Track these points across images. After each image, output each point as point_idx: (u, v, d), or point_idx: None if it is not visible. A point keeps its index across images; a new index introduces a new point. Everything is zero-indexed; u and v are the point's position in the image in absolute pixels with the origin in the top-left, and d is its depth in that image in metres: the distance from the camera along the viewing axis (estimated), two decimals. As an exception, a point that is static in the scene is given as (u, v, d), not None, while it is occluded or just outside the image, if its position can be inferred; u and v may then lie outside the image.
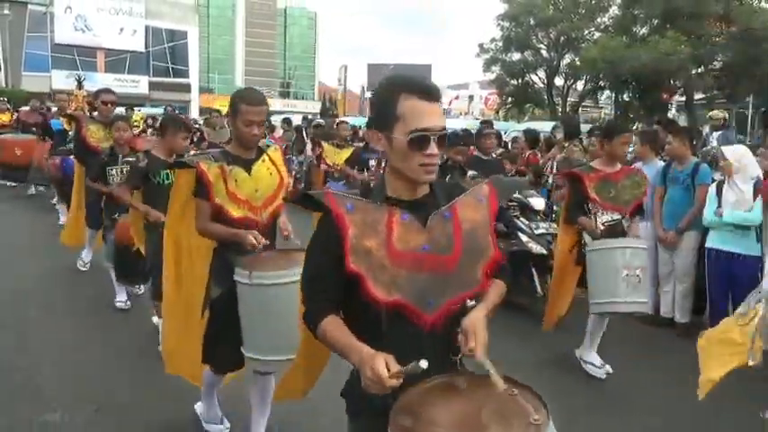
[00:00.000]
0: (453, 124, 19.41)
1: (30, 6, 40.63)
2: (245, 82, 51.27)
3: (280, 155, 3.68)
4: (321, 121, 16.55)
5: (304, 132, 15.11)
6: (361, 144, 10.23)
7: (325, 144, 10.31)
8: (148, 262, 5.07)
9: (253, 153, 3.46)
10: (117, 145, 6.04)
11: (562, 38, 32.43)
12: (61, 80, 39.05)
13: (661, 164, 6.84)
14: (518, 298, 6.40)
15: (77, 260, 7.43)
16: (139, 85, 43.01)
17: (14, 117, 14.77)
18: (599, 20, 31.64)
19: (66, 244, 7.62)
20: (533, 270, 6.50)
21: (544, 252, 6.43)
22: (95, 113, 9.36)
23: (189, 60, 47.32)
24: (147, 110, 23.96)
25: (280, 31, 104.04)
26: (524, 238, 6.61)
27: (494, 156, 7.54)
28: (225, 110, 18.43)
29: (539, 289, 6.43)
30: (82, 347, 5.25)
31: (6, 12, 37.80)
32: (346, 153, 9.64)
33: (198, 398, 3.97)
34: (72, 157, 8.48)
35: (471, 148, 7.65)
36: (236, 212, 3.33)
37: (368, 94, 59.47)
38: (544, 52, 34.14)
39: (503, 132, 12.81)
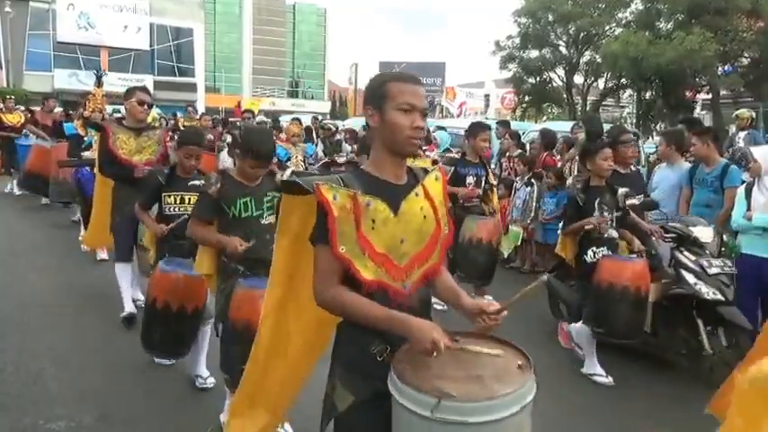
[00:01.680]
0: (464, 124, 18.48)
1: (32, 3, 40.21)
2: (252, 81, 50.66)
3: (441, 186, 2.39)
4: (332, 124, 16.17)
5: (314, 133, 15.08)
6: (454, 154, 8.97)
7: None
8: (217, 323, 3.95)
9: (403, 176, 2.30)
10: (183, 168, 4.89)
11: (582, 34, 31.80)
12: (64, 79, 38.71)
13: (687, 165, 6.73)
14: (675, 355, 5.54)
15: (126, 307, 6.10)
16: (144, 83, 42.31)
17: (28, 117, 14.03)
18: (620, 15, 30.95)
19: (90, 246, 7.69)
20: (699, 321, 5.27)
21: (720, 298, 5.13)
22: (120, 117, 8.64)
23: (195, 59, 46.78)
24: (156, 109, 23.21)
25: (288, 29, 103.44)
26: (691, 278, 5.31)
27: (632, 168, 6.46)
28: (255, 109, 18.37)
29: (706, 345, 5.19)
30: (87, 354, 5.33)
31: (8, 9, 37.59)
32: (424, 164, 8.37)
33: (201, 407, 4.36)
34: (89, 168, 7.84)
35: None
36: (366, 272, 2.15)
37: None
38: (563, 49, 33.51)
39: (521, 133, 12.26)
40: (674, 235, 5.62)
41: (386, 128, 2.18)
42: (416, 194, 2.26)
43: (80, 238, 8.40)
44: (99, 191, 6.39)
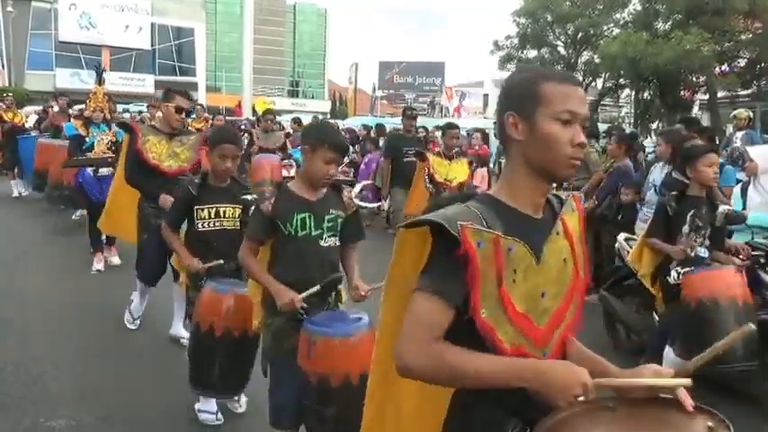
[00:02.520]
0: (466, 123, 18.64)
1: (33, 3, 40.40)
2: (253, 80, 50.72)
3: (579, 220, 1.87)
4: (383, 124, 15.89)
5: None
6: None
7: (430, 155, 8.18)
8: (264, 362, 3.41)
9: (540, 208, 1.78)
10: (216, 174, 4.19)
11: (580, 34, 31.83)
12: (65, 78, 38.87)
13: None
14: (755, 387, 4.73)
15: (125, 315, 5.90)
16: (145, 83, 42.69)
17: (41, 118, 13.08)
18: (618, 15, 30.92)
19: (107, 232, 7.29)
20: None
21: None
22: (147, 119, 8.95)
23: (196, 58, 46.92)
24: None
25: (289, 29, 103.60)
26: None
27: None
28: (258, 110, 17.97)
29: None
30: (88, 355, 5.30)
31: (10, 9, 37.66)
32: (461, 167, 8.17)
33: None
34: (93, 170, 7.62)
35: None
36: (505, 338, 1.63)
37: (379, 93, 58.94)
38: (561, 49, 33.58)
39: None
40: (761, 252, 4.98)
41: (537, 142, 1.66)
42: (557, 233, 1.76)
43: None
44: (118, 182, 5.83)
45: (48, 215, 11.01)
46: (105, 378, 4.81)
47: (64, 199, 9.61)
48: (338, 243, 3.32)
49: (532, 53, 33.45)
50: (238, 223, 4.17)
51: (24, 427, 4.02)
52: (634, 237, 5.49)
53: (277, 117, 14.01)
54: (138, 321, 5.83)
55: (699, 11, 25.02)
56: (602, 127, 11.37)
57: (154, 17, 44.20)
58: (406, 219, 6.37)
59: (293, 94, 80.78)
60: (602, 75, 31.71)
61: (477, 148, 10.69)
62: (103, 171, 7.57)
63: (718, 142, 10.05)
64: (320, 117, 21.14)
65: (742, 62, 26.41)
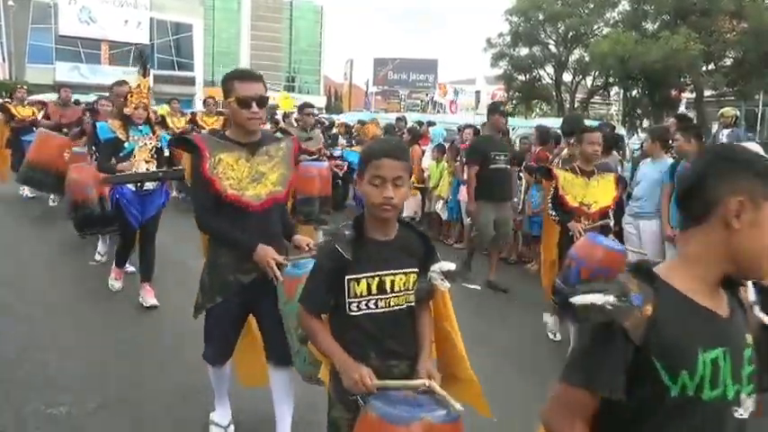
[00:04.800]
0: (458, 119, 19.15)
1: (34, -3, 40.51)
2: (250, 75, 51.41)
3: None
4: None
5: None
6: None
7: (559, 171, 5.81)
8: None
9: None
10: (375, 214, 2.37)
11: (571, 33, 32.17)
12: (65, 72, 39.17)
13: (670, 161, 6.77)
14: None
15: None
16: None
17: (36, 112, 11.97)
18: (608, 15, 31.36)
19: None
20: None
21: None
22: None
23: (194, 53, 47.22)
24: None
25: (285, 25, 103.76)
26: None
27: None
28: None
29: None
30: (91, 342, 5.28)
31: (11, 3, 37.85)
32: (605, 187, 5.74)
33: (201, 396, 4.14)
34: (137, 186, 5.96)
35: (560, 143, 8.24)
36: None
37: (373, 89, 59.36)
38: (552, 47, 33.86)
39: (510, 129, 12.52)
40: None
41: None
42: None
43: (97, 258, 7.52)
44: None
45: (51, 206, 10.74)
46: (107, 366, 4.80)
47: (97, 222, 7.85)
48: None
49: (524, 51, 33.84)
50: (411, 298, 2.46)
51: (27, 413, 4.01)
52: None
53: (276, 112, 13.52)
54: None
55: (686, 11, 25.55)
56: (593, 124, 11.58)
57: (153, 12, 44.43)
58: (546, 264, 5.86)
59: (289, 89, 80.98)
60: (592, 73, 32.09)
61: (468, 143, 11.01)
62: (148, 186, 6.01)
63: (704, 140, 10.43)
64: (316, 112, 21.18)
65: (728, 62, 26.91)
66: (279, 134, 6.05)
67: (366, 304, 2.40)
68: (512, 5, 32.77)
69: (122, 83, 6.74)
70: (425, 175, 10.87)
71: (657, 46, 24.29)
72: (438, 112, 38.58)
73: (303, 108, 9.43)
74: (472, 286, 7.58)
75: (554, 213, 5.64)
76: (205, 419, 3.94)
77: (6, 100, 12.83)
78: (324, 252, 2.45)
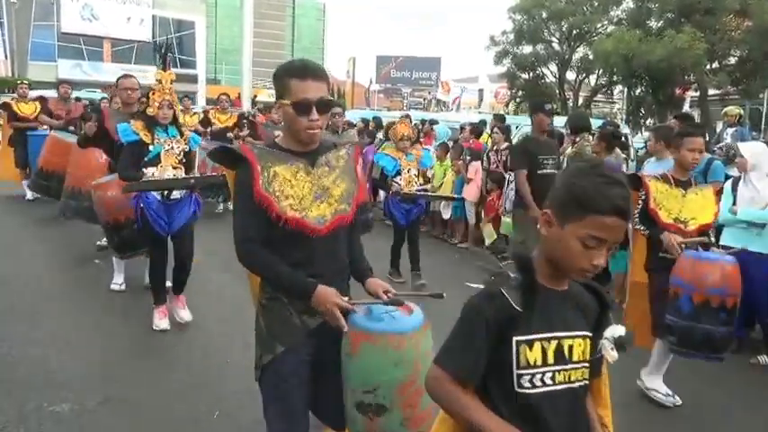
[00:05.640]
0: (463, 118, 19.07)
1: (37, -6, 40.52)
2: (252, 73, 51.04)
3: None
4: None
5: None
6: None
7: (652, 181, 4.87)
8: None
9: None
10: (574, 261, 1.77)
11: (574, 31, 32.05)
12: (67, 69, 39.17)
13: (671, 161, 6.60)
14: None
15: None
16: (146, 75, 42.82)
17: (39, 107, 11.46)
18: (612, 13, 31.25)
19: None
20: None
21: None
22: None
23: (196, 51, 47.20)
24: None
25: (288, 22, 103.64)
26: None
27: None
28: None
29: None
30: (92, 340, 5.28)
31: (14, 0, 37.80)
32: (705, 200, 4.84)
33: (202, 393, 4.20)
34: (163, 195, 5.29)
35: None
36: None
37: (375, 87, 59.23)
38: (556, 45, 33.74)
39: (514, 127, 12.43)
40: None
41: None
42: None
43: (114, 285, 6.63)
44: None
45: (51, 202, 10.15)
46: (108, 363, 4.82)
47: (82, 212, 7.88)
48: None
49: (527, 49, 33.70)
50: (587, 373, 1.88)
51: (28, 411, 4.01)
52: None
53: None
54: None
55: (691, 9, 25.35)
56: (597, 122, 11.50)
57: (155, 10, 44.45)
58: (633, 289, 4.89)
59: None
60: (596, 71, 31.89)
61: (470, 142, 10.94)
62: (175, 194, 5.37)
63: (708, 139, 10.36)
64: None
65: (733, 60, 26.76)
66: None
67: (542, 378, 1.75)
68: (515, 3, 32.64)
69: (129, 76, 6.40)
70: (429, 173, 10.80)
71: (662, 44, 24.16)
72: (441, 110, 38.43)
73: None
74: (476, 286, 7.49)
75: (641, 227, 4.81)
76: (207, 417, 3.97)
77: (14, 96, 12.30)
78: (482, 299, 1.79)
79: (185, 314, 5.69)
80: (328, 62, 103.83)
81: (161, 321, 5.58)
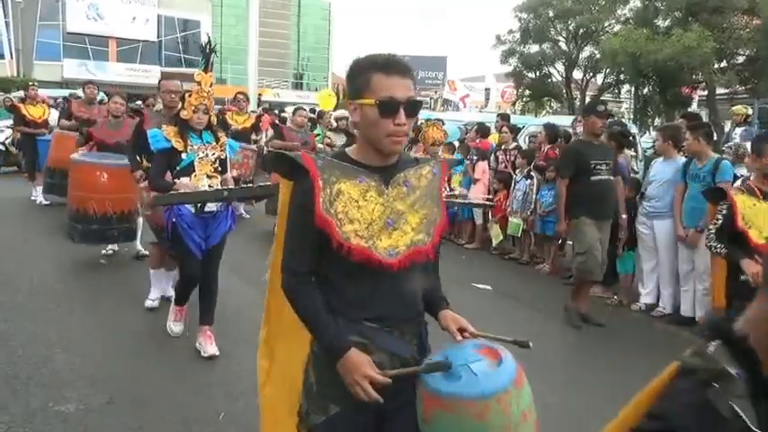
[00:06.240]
0: (468, 117, 18.99)
1: (42, -6, 40.59)
2: (258, 72, 51.16)
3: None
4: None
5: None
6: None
7: (737, 194, 4.54)
8: None
9: None
10: None
11: (581, 30, 31.87)
12: (72, 69, 39.22)
13: (682, 160, 6.77)
14: None
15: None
16: (151, 74, 42.91)
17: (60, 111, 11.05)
18: (619, 12, 31.02)
19: None
20: None
21: None
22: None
23: (202, 50, 47.22)
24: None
25: (294, 22, 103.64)
26: None
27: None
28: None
29: None
30: (97, 339, 5.31)
31: (19, 0, 37.89)
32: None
33: (209, 392, 4.28)
34: (196, 207, 4.83)
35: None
36: None
37: (381, 86, 59.07)
38: (563, 44, 33.58)
39: (520, 127, 12.40)
40: None
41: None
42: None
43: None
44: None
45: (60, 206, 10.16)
46: (113, 362, 4.85)
47: (50, 188, 8.56)
48: None
49: (534, 48, 33.51)
50: None
51: (34, 410, 4.03)
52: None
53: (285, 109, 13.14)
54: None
55: (699, 8, 25.19)
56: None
57: (160, 9, 44.49)
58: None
59: (297, 86, 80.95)
60: (603, 70, 31.77)
61: (477, 141, 10.87)
62: (211, 207, 4.93)
63: (716, 138, 10.29)
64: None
65: (741, 59, 26.63)
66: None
67: None
68: (522, 2, 32.51)
69: (170, 75, 6.11)
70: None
71: (669, 43, 24.01)
72: (447, 109, 38.33)
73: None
74: (482, 287, 7.45)
75: (717, 245, 4.31)
76: (213, 418, 4.02)
77: (22, 98, 12.13)
78: (683, 410, 1.16)
79: (212, 349, 5.07)
80: (334, 61, 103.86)
81: (176, 324, 5.35)
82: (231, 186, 5.06)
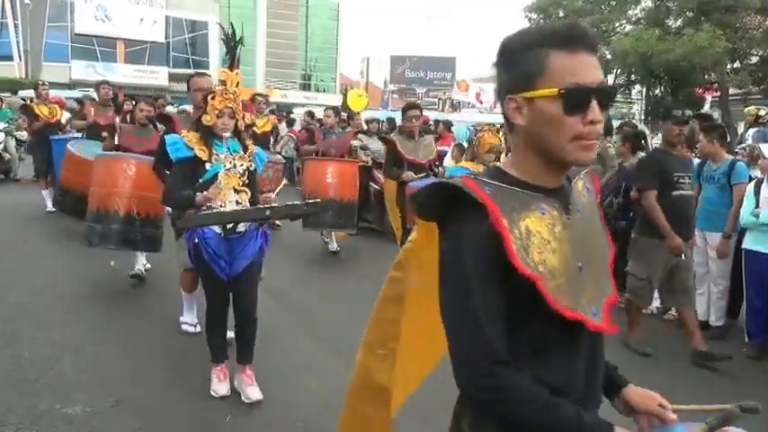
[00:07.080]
0: (482, 118, 18.81)
1: (50, -5, 40.71)
2: (265, 74, 51.15)
3: None
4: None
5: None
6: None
7: None
8: None
9: None
10: None
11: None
12: (80, 70, 39.28)
13: (695, 161, 6.64)
14: None
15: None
16: (159, 76, 43.04)
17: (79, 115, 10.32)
18: (630, 12, 30.85)
19: None
20: None
21: None
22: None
23: (209, 51, 47.22)
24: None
25: (302, 22, 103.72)
26: None
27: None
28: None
29: None
30: (103, 341, 5.28)
31: (27, 1, 38.03)
32: None
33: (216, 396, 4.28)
34: (226, 228, 4.16)
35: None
36: None
37: (391, 87, 59.01)
38: (573, 45, 33.26)
39: None
40: None
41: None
42: None
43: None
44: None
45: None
46: (119, 364, 4.82)
47: (62, 204, 7.89)
48: None
49: (544, 48, 33.38)
50: None
51: (40, 412, 4.01)
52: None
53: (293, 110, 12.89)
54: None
55: (711, 8, 25.00)
56: (615, 123, 11.39)
57: (168, 10, 44.59)
58: None
59: (305, 87, 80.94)
60: (614, 71, 31.27)
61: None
62: (240, 227, 4.24)
63: (729, 139, 10.11)
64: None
65: (754, 59, 26.40)
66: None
67: None
68: (531, 2, 32.39)
69: (203, 74, 5.28)
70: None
71: (681, 43, 23.83)
72: (455, 110, 38.16)
73: (406, 110, 7.46)
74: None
75: None
76: (220, 421, 3.99)
77: (33, 98, 11.52)
78: None
79: (254, 392, 4.33)
80: (341, 62, 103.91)
81: (220, 386, 4.41)
82: (275, 204, 4.31)
